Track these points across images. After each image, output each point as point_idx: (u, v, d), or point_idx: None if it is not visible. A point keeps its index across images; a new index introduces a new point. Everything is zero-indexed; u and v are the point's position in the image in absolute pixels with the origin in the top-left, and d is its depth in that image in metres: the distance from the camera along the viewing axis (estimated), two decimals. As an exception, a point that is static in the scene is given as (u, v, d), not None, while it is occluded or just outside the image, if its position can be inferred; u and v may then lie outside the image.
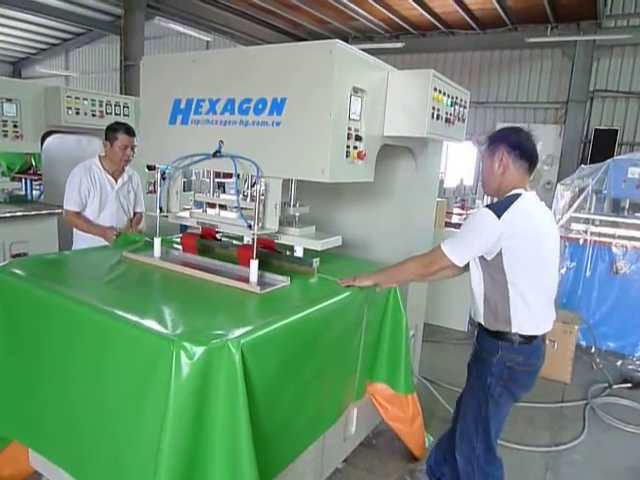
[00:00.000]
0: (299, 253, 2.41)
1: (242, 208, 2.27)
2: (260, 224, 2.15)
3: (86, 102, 4.06)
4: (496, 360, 2.00)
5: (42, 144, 5.02)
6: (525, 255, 1.91)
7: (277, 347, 1.68)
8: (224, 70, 2.27)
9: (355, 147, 2.18)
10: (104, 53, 17.04)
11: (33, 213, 4.03)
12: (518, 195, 1.96)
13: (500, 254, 1.89)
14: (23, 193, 5.04)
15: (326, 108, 1.97)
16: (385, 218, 3.05)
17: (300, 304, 1.95)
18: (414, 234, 3.01)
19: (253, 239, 2.12)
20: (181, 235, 2.66)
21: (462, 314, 4.96)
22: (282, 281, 2.17)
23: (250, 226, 2.15)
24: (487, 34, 10.21)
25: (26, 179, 7.68)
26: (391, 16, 9.72)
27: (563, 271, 4.56)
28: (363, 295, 2.24)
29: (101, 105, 4.19)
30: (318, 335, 1.93)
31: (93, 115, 4.13)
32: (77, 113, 3.99)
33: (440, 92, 2.38)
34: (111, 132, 3.14)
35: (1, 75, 18.09)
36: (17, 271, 2.10)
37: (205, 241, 2.58)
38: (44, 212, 4.11)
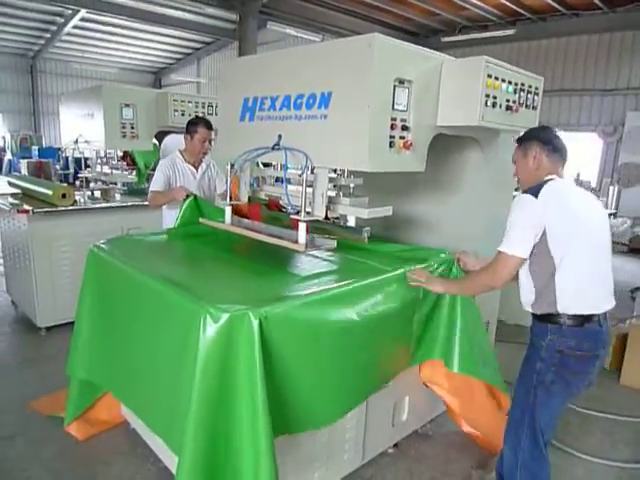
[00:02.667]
0: (351, 223, 2.51)
1: (293, 196, 2.44)
2: (309, 210, 2.33)
3: (190, 104, 4.55)
4: (545, 344, 1.97)
5: (160, 143, 5.79)
6: (568, 232, 1.89)
7: (302, 320, 1.83)
8: (282, 69, 2.46)
9: (402, 137, 2.22)
10: (229, 59, 18.50)
11: (142, 203, 4.62)
12: (550, 179, 2.00)
13: (544, 233, 1.88)
14: (144, 186, 5.77)
15: (365, 100, 2.06)
16: (454, 210, 3.02)
17: (340, 278, 2.08)
18: (485, 227, 2.93)
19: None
20: (249, 205, 2.83)
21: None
22: (329, 243, 2.33)
23: (298, 212, 2.31)
24: (617, 13, 9.14)
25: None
26: (504, 1, 9.17)
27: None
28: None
29: (203, 107, 4.65)
30: (352, 313, 2.03)
31: (196, 116, 4.61)
32: (182, 114, 4.49)
33: (497, 79, 2.31)
34: (192, 126, 3.51)
35: (144, 83, 20.63)
36: (107, 248, 2.53)
37: (270, 211, 2.83)
38: (155, 202, 4.69)
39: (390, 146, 2.18)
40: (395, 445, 2.75)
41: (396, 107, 2.17)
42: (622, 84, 9.58)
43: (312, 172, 2.34)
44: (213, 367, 1.67)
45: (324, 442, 2.25)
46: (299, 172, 2.47)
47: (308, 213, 2.35)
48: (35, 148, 16.82)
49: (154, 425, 2.11)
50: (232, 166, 2.73)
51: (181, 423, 1.70)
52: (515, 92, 2.48)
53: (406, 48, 2.18)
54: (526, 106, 2.59)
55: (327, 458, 2.30)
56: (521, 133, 2.27)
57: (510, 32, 9.43)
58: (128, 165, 5.85)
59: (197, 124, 3.50)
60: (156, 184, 3.54)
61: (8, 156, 17.36)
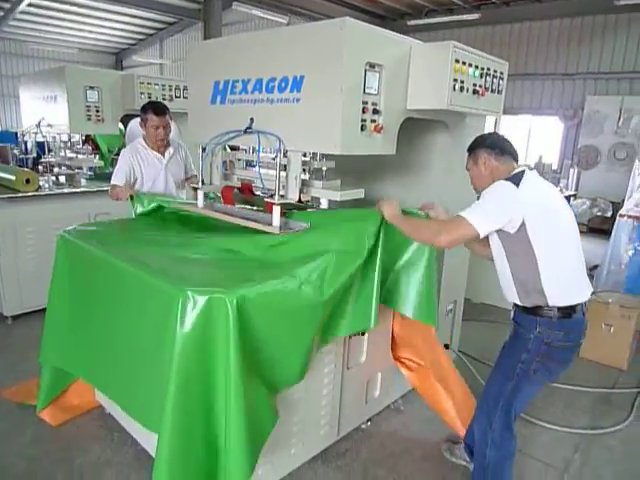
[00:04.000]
0: (324, 205, 2.54)
1: (266, 179, 2.46)
2: (283, 193, 2.36)
3: (157, 87, 4.46)
4: (534, 336, 1.98)
5: (126, 127, 5.65)
6: (548, 224, 1.92)
7: (277, 299, 1.87)
8: (254, 52, 2.45)
9: (373, 120, 2.27)
10: (193, 41, 18.00)
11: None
12: (523, 171, 2.01)
13: (523, 225, 1.88)
14: (109, 171, 5.64)
15: (338, 84, 2.08)
16: (423, 192, 3.09)
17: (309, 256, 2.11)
18: (450, 209, 3.02)
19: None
20: (221, 188, 2.78)
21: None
22: (302, 225, 2.37)
23: (272, 195, 2.34)
24: (578, -2, 9.38)
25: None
26: (470, -14, 9.27)
27: (631, 253, 4.25)
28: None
29: (170, 89, 4.57)
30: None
31: (163, 99, 4.50)
32: (149, 97, 4.39)
33: (464, 63, 2.38)
34: (142, 113, 3.32)
35: (104, 64, 19.89)
36: (77, 233, 2.51)
37: (245, 195, 2.81)
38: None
39: (362, 129, 2.22)
40: (369, 420, 2.85)
41: (367, 91, 2.20)
42: (582, 68, 9.86)
43: (285, 155, 2.37)
44: (191, 349, 1.70)
45: (300, 419, 2.32)
46: (272, 155, 2.50)
47: (282, 196, 2.38)
48: (-9, 132, 16.07)
49: (131, 408, 2.12)
50: (204, 149, 2.72)
51: (160, 404, 1.73)
52: (482, 76, 2.55)
53: (377, 32, 2.21)
54: (492, 90, 2.68)
55: (303, 434, 2.38)
56: (470, 140, 2.29)
57: (475, 16, 9.55)
58: (92, 150, 5.72)
59: (146, 111, 3.30)
60: (116, 178, 3.37)
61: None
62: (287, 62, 2.28)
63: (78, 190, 4.34)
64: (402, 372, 2.77)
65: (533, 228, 1.89)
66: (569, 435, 2.88)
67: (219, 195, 2.84)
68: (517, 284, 2.01)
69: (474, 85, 2.50)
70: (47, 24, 15.97)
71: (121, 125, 5.40)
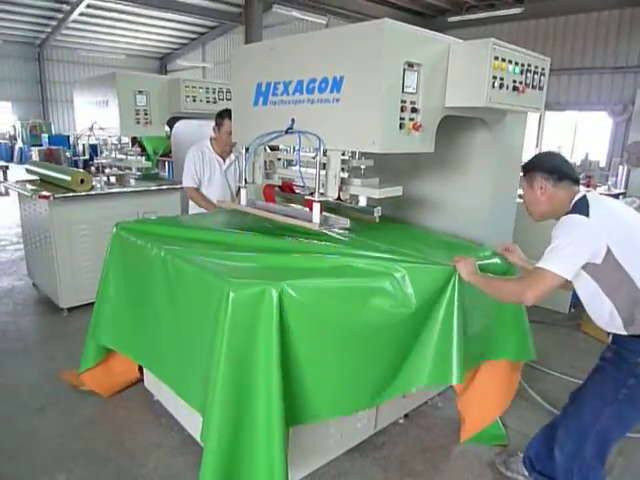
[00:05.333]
0: (362, 203, 2.59)
1: (306, 178, 2.54)
2: (322, 191, 2.43)
3: (201, 90, 4.63)
4: None
5: (171, 130, 5.89)
6: (633, 241, 1.82)
7: (319, 302, 1.93)
8: (295, 54, 2.54)
9: (411, 119, 2.31)
10: (235, 44, 18.41)
11: (160, 188, 4.76)
12: (584, 196, 1.91)
13: (610, 252, 1.78)
14: (154, 172, 5.90)
15: (377, 83, 2.14)
16: (461, 191, 3.10)
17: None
18: (492, 206, 3.02)
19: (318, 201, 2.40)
20: (263, 186, 2.92)
21: (564, 295, 4.69)
22: (342, 222, 2.45)
23: (312, 193, 2.42)
24: (629, -12, 9.01)
25: (166, 161, 8.95)
26: (513, -21, 9.08)
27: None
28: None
29: (214, 92, 4.73)
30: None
31: (207, 102, 4.69)
32: (194, 100, 4.57)
33: (503, 60, 2.38)
34: (219, 118, 3.60)
35: (150, 69, 20.61)
36: (131, 228, 2.67)
37: (285, 193, 2.94)
38: (168, 187, 4.82)
39: (400, 128, 2.26)
40: (406, 415, 2.89)
41: (406, 90, 2.24)
42: (632, 61, 9.47)
43: (324, 154, 2.44)
44: (238, 338, 1.79)
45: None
46: (311, 155, 2.57)
47: (321, 194, 2.45)
48: (45, 136, 16.98)
49: (180, 390, 2.26)
50: (247, 150, 2.83)
51: (206, 388, 1.84)
52: (522, 73, 2.53)
53: (415, 32, 2.24)
54: (532, 87, 2.65)
55: (341, 426, 2.44)
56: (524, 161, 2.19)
57: (517, 10, 9.33)
58: (139, 152, 6.00)
59: (223, 117, 3.56)
60: (188, 180, 3.72)
61: (19, 144, 17.54)
62: (327, 63, 2.34)
63: (127, 190, 4.57)
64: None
65: (620, 251, 1.78)
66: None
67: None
68: (621, 314, 1.85)
69: (514, 82, 2.48)
70: (96, 32, 16.72)
71: (167, 127, 5.65)
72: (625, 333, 1.87)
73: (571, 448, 2.02)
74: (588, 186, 7.29)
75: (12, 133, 18.33)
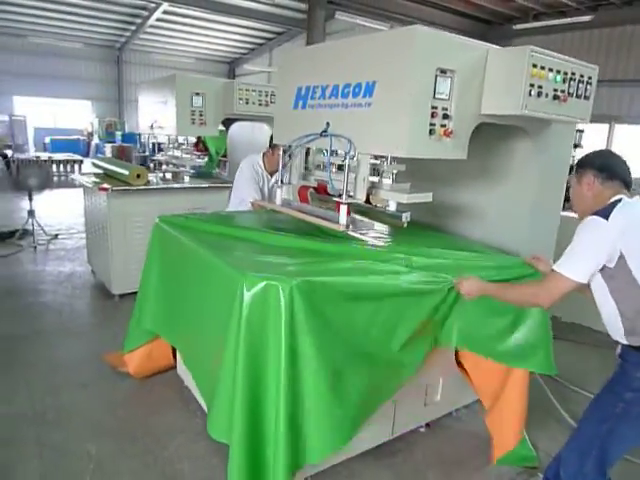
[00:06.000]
0: (392, 207, 2.60)
1: (339, 180, 2.58)
2: (350, 193, 2.47)
3: (254, 93, 4.79)
4: None
5: (227, 130, 6.13)
6: None
7: (332, 297, 1.97)
8: (332, 59, 2.60)
9: (442, 125, 2.30)
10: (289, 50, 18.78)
11: (210, 185, 4.98)
12: (619, 200, 1.85)
13: (622, 257, 1.74)
14: (216, 171, 6.18)
15: (406, 89, 2.15)
16: (500, 200, 3.03)
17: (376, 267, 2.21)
18: (533, 218, 2.93)
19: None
20: (298, 187, 3.00)
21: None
22: (369, 225, 2.51)
23: (340, 195, 2.46)
24: None
25: (226, 162, 9.30)
26: (586, -15, 8.66)
27: None
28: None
29: (267, 95, 4.89)
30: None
31: (260, 104, 4.85)
32: (246, 103, 4.74)
33: (543, 68, 2.31)
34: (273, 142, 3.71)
35: (219, 73, 21.43)
36: (170, 222, 2.84)
37: (320, 195, 2.95)
38: (218, 185, 5.04)
39: (430, 133, 2.26)
40: (427, 425, 2.85)
41: (437, 96, 2.24)
42: None
43: (355, 158, 2.47)
44: (251, 327, 1.87)
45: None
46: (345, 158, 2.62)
47: (350, 196, 2.49)
48: (119, 133, 18.14)
49: (197, 377, 2.39)
50: (284, 152, 2.92)
51: (220, 374, 1.95)
52: (564, 81, 2.45)
53: (448, 39, 2.24)
54: (577, 96, 2.55)
55: (356, 427, 2.45)
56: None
57: (587, 18, 8.88)
58: (200, 151, 6.30)
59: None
60: (252, 193, 3.82)
61: (95, 140, 18.82)
62: (361, 69, 2.39)
63: (179, 186, 4.82)
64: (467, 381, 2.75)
65: (633, 259, 1.73)
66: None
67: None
68: (624, 321, 1.82)
69: (555, 90, 2.41)
70: (170, 36, 17.62)
71: (222, 127, 5.88)
72: (626, 342, 1.83)
73: (573, 467, 1.95)
74: None
75: (90, 130, 19.71)
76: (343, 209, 2.44)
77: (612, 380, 1.91)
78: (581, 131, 6.15)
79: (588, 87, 2.61)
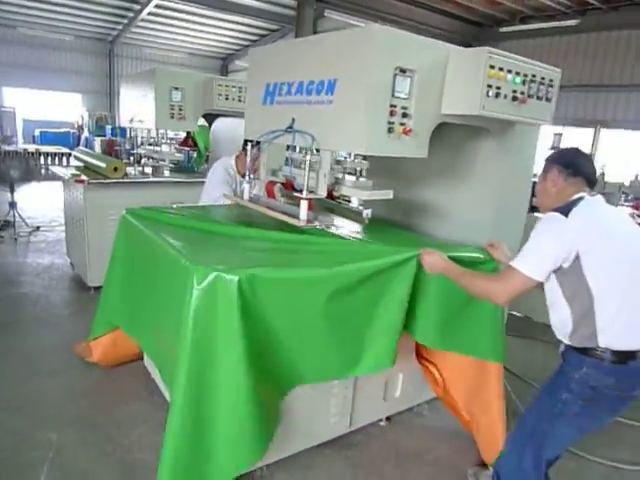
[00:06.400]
0: (354, 203, 2.64)
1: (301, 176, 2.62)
2: (312, 189, 2.51)
3: (234, 89, 4.81)
4: (579, 376, 1.78)
5: (210, 125, 6.14)
6: (607, 258, 1.73)
7: (281, 290, 2.01)
8: (298, 57, 2.63)
9: (402, 124, 2.34)
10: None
11: (187, 180, 4.99)
12: (581, 198, 1.86)
13: (578, 258, 1.72)
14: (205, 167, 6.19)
15: (365, 87, 2.19)
16: (465, 198, 3.08)
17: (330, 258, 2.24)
18: (497, 218, 2.98)
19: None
20: (266, 183, 3.00)
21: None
22: (329, 220, 2.54)
23: (301, 191, 2.50)
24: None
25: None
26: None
27: None
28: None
29: (245, 91, 4.88)
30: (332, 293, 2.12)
31: (239, 100, 4.86)
32: (226, 98, 4.76)
33: (501, 69, 2.35)
34: (246, 144, 3.72)
35: (212, 69, 21.37)
36: (136, 214, 2.86)
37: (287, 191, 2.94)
38: (197, 180, 5.03)
39: (389, 132, 2.30)
40: (388, 419, 2.90)
41: (396, 95, 2.28)
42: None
43: (317, 153, 2.51)
44: (201, 318, 1.90)
45: (307, 404, 2.44)
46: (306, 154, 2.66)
47: (311, 192, 2.52)
48: (109, 127, 18.02)
49: (159, 367, 2.41)
50: (252, 146, 2.96)
51: (175, 364, 1.96)
52: (524, 83, 2.50)
53: (408, 38, 2.28)
54: (537, 98, 2.60)
55: (314, 419, 2.50)
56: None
57: (573, 22, 8.98)
58: (189, 146, 6.31)
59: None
60: (226, 190, 3.79)
61: (85, 134, 18.69)
62: (323, 66, 2.42)
63: (157, 180, 4.83)
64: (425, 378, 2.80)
65: (588, 262, 1.71)
66: (600, 466, 2.71)
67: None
68: (570, 321, 1.80)
69: (514, 92, 2.45)
70: (162, 30, 17.54)
71: (205, 123, 5.90)
72: (567, 342, 1.84)
73: (512, 461, 1.98)
74: (638, 209, 6.91)
75: (80, 123, 19.57)
76: (303, 204, 2.47)
77: (552, 380, 1.93)
78: (559, 134, 6.22)
79: (549, 89, 2.65)
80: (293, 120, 2.64)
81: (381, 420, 2.87)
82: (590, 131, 10.53)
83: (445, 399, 2.81)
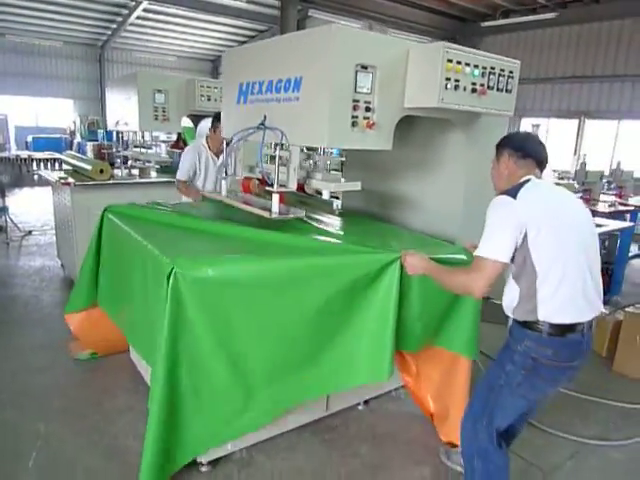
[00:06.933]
0: (325, 196, 2.75)
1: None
2: (283, 183, 2.62)
3: (216, 90, 4.91)
4: (521, 349, 1.88)
5: (196, 127, 6.23)
6: (549, 237, 1.81)
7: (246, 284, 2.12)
8: (268, 56, 2.74)
9: (366, 118, 2.45)
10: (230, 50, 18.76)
11: (171, 180, 5.04)
12: (528, 180, 1.95)
13: (525, 237, 1.80)
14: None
15: (326, 83, 2.30)
16: (435, 189, 3.19)
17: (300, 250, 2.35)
18: (466, 207, 3.08)
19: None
20: (242, 179, 3.10)
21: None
22: (299, 212, 2.65)
23: (272, 184, 2.61)
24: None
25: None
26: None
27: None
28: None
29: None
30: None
31: (221, 101, 4.96)
32: (208, 99, 4.87)
33: (459, 63, 2.46)
34: (215, 121, 3.87)
35: (203, 71, 21.42)
36: (115, 211, 2.97)
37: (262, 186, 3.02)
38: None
39: (353, 125, 2.41)
40: (365, 402, 3.01)
41: (359, 90, 2.39)
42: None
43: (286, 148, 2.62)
44: (169, 316, 2.03)
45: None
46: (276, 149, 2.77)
47: (283, 186, 2.63)
48: (101, 132, 18.09)
49: (137, 347, 2.61)
50: (227, 144, 3.06)
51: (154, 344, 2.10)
52: (483, 75, 2.61)
53: (368, 36, 2.39)
54: (498, 89, 2.71)
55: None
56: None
57: (551, 16, 9.09)
58: (181, 148, 6.41)
59: (219, 119, 3.82)
60: (182, 173, 4.03)
61: (77, 139, 18.75)
62: (291, 65, 2.53)
63: (141, 180, 4.95)
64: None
65: (534, 241, 1.80)
66: (569, 442, 2.82)
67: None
68: (517, 297, 1.90)
69: (473, 84, 2.56)
70: (151, 34, 17.61)
71: (191, 123, 5.99)
72: (512, 316, 1.94)
73: (468, 434, 2.09)
74: (620, 197, 6.99)
75: (72, 128, 19.63)
76: (275, 197, 2.58)
77: (499, 353, 2.03)
78: (537, 125, 6.34)
79: (510, 81, 2.77)
80: (265, 117, 2.74)
81: (359, 404, 2.98)
82: (575, 122, 10.69)
83: (414, 388, 2.92)
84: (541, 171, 2.06)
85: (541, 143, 2.11)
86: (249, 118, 2.89)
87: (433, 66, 2.42)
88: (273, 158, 2.66)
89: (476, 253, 1.90)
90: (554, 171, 8.94)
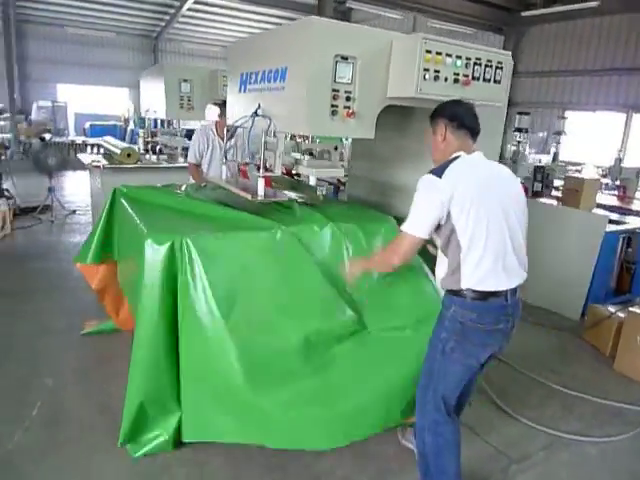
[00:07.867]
0: (312, 182, 2.89)
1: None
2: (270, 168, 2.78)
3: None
4: (450, 314, 2.00)
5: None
6: (472, 213, 1.88)
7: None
8: (263, 48, 2.89)
9: (346, 107, 2.54)
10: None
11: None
12: (457, 157, 2.02)
13: (449, 214, 1.89)
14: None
15: (305, 73, 2.42)
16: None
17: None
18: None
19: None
20: (242, 165, 3.24)
21: (575, 300, 4.51)
22: (283, 195, 2.81)
23: (258, 168, 2.76)
24: None
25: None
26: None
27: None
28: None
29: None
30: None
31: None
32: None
33: (439, 53, 2.50)
34: (224, 107, 4.05)
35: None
36: (124, 191, 3.21)
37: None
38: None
39: (333, 114, 2.51)
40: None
41: (338, 80, 2.48)
42: None
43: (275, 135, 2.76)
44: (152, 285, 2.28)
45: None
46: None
47: (270, 170, 2.78)
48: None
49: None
50: (228, 130, 3.24)
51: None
52: (467, 66, 2.63)
53: (348, 28, 2.49)
54: (485, 80, 2.72)
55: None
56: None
57: (594, 4, 8.62)
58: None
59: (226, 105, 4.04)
60: (191, 156, 4.29)
61: (131, 126, 19.69)
62: (278, 56, 2.67)
63: (165, 165, 5.25)
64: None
65: (457, 218, 1.88)
66: (544, 434, 2.82)
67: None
68: (445, 269, 2.01)
69: (456, 74, 2.59)
70: (200, 25, 18.17)
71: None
72: (440, 286, 2.06)
73: (419, 406, 2.16)
74: (622, 199, 6.14)
75: (127, 116, 20.61)
76: (260, 181, 2.73)
77: (435, 324, 2.11)
78: (564, 118, 6.11)
79: (498, 72, 2.77)
80: (259, 106, 2.90)
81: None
82: (622, 116, 10.11)
83: None
84: (474, 140, 2.09)
85: (474, 114, 2.11)
86: (247, 106, 3.05)
87: (412, 57, 2.47)
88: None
89: (401, 227, 2.03)
90: (597, 167, 8.50)
